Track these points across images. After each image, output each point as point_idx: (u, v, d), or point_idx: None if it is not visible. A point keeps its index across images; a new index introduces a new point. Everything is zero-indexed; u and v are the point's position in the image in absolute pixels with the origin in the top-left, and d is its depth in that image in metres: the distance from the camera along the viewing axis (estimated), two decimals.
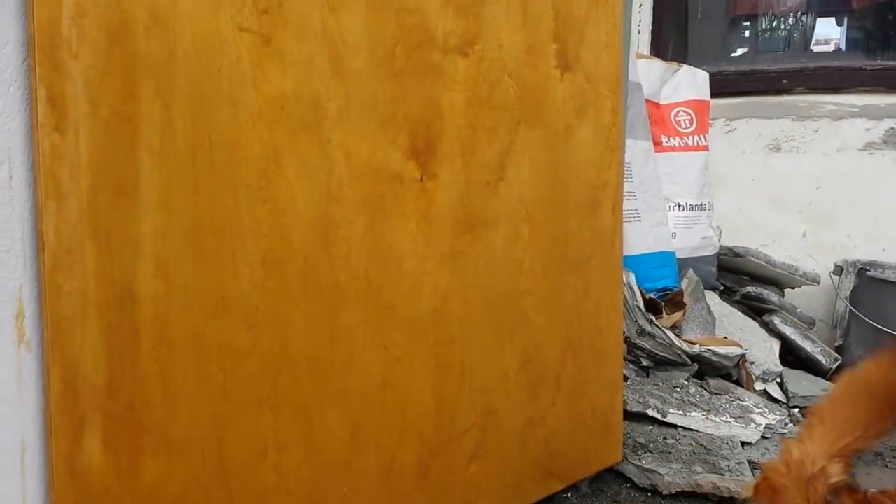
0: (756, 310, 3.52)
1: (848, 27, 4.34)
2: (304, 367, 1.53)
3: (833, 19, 4.36)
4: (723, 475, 2.28)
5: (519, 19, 1.84)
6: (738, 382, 2.96)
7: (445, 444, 1.81)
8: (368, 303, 1.62)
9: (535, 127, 1.92)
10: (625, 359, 2.83)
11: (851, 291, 3.63)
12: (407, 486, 1.74)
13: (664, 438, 2.50)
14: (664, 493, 2.28)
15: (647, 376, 2.88)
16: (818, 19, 4.31)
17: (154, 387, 1.31)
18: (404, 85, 1.63)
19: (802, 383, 3.08)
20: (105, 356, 1.24)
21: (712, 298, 3.42)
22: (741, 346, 2.96)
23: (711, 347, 2.87)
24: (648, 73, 3.53)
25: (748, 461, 2.40)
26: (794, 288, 3.68)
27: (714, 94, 3.77)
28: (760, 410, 2.71)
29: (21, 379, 1.17)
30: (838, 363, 3.29)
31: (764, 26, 4.42)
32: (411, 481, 1.75)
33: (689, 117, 3.61)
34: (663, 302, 3.07)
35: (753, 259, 3.55)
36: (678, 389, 2.76)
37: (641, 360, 2.90)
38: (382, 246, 1.63)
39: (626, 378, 2.78)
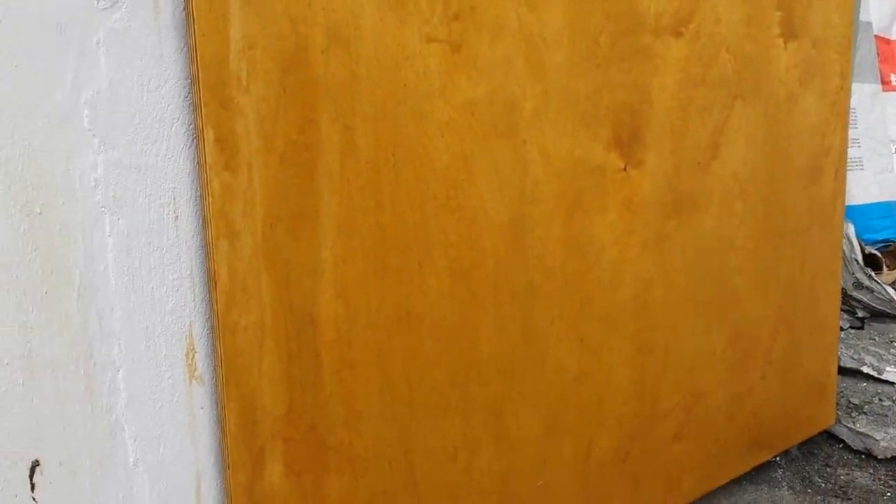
0: None
1: None
2: (494, 369, 1.36)
3: None
4: None
5: None
6: None
7: (646, 427, 1.63)
8: (564, 299, 1.44)
9: (753, 100, 1.66)
10: (839, 309, 2.51)
11: None
12: (605, 472, 1.58)
13: (880, 399, 2.26)
14: (879, 457, 2.06)
15: (863, 327, 2.54)
16: None
17: (337, 408, 1.16)
18: (608, 74, 1.40)
19: None
20: (285, 384, 1.10)
21: None
22: None
23: None
24: (880, 6, 3.05)
25: None
26: None
27: None
28: None
29: (193, 413, 1.04)
30: None
31: None
32: (610, 467, 1.59)
33: None
34: (884, 254, 2.68)
35: None
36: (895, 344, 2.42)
37: (857, 310, 2.55)
38: (580, 240, 1.43)
39: (840, 329, 2.45)
